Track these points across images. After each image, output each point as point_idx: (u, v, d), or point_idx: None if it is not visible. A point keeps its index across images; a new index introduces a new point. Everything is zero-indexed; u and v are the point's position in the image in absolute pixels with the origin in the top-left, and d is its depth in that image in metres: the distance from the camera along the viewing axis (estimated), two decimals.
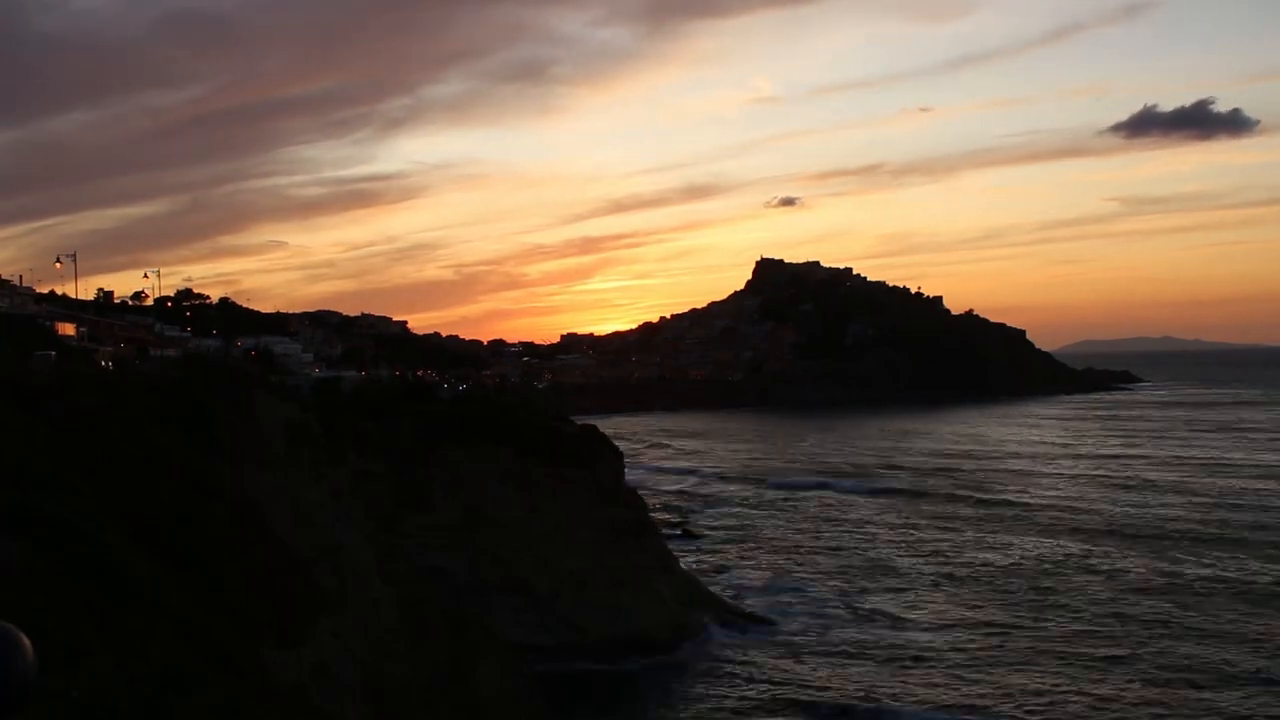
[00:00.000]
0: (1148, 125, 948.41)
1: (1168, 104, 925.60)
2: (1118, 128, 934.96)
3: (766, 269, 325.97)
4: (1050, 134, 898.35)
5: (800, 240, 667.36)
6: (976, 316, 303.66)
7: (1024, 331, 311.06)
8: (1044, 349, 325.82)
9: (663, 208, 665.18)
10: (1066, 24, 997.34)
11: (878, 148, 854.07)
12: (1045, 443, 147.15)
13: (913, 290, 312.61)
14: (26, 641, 2.87)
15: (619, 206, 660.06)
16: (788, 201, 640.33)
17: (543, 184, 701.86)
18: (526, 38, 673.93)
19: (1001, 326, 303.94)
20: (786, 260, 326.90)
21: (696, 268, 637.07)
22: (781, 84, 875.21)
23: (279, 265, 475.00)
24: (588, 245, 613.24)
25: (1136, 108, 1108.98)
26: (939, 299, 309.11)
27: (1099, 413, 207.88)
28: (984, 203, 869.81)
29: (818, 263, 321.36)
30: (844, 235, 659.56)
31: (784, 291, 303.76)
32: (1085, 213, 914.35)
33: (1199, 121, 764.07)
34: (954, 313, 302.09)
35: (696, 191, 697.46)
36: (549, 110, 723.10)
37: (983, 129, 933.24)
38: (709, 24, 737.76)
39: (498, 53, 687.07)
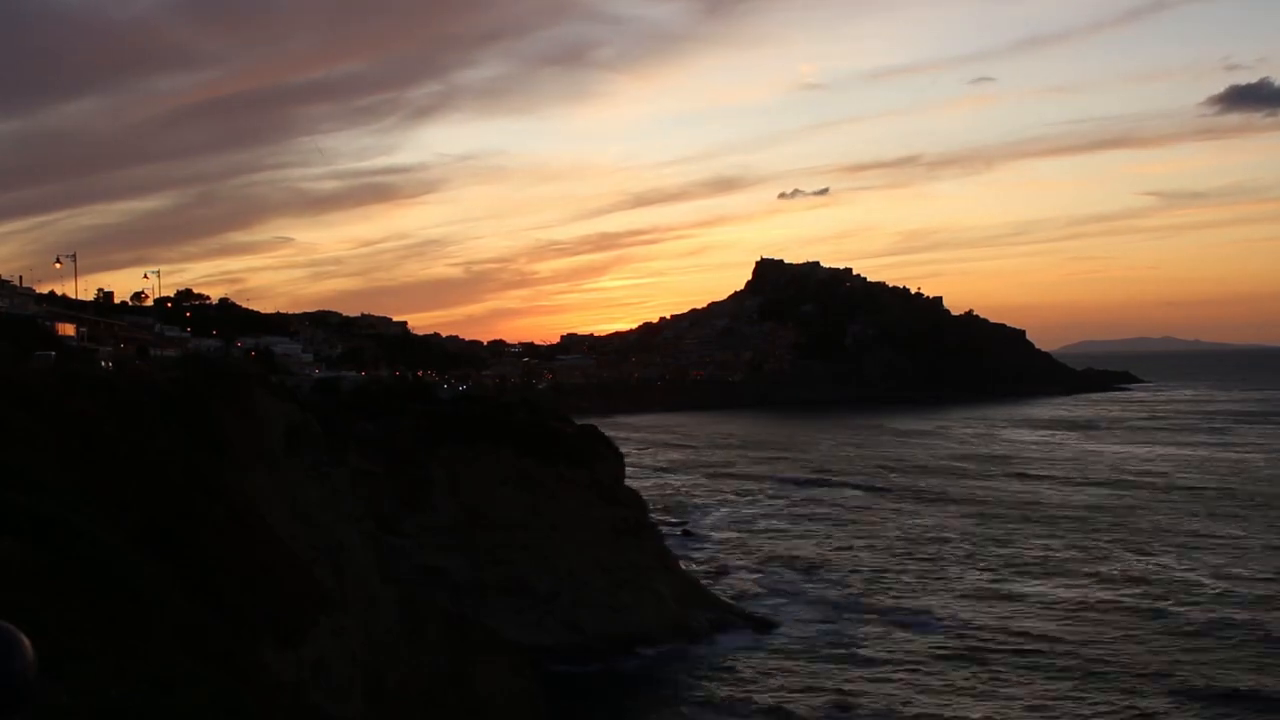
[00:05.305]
0: (1216, 110, 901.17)
1: (1244, 88, 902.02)
2: (1180, 115, 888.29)
3: (766, 269, 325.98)
4: (1102, 122, 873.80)
5: (822, 236, 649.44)
6: (976, 317, 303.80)
7: (1024, 332, 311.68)
8: (1044, 349, 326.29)
9: (685, 202, 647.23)
10: (1144, 3, 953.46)
11: (918, 138, 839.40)
12: (1059, 445, 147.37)
13: (914, 290, 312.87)
14: (26, 641, 2.87)
15: (640, 201, 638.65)
16: (821, 192, 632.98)
17: (566, 176, 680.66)
18: (572, 16, 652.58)
19: (1001, 327, 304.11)
20: (800, 259, 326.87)
21: (713, 265, 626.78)
22: (828, 70, 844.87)
23: (285, 262, 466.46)
24: (603, 242, 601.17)
25: (1202, 96, 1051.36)
26: (939, 299, 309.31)
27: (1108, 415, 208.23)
28: (1018, 197, 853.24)
29: (818, 263, 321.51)
30: (867, 231, 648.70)
31: (784, 292, 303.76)
32: (1119, 207, 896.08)
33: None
34: (954, 313, 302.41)
35: (722, 185, 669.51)
36: (586, 96, 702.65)
37: (1032, 117, 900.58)
38: (768, 1, 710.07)
39: (539, 31, 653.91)
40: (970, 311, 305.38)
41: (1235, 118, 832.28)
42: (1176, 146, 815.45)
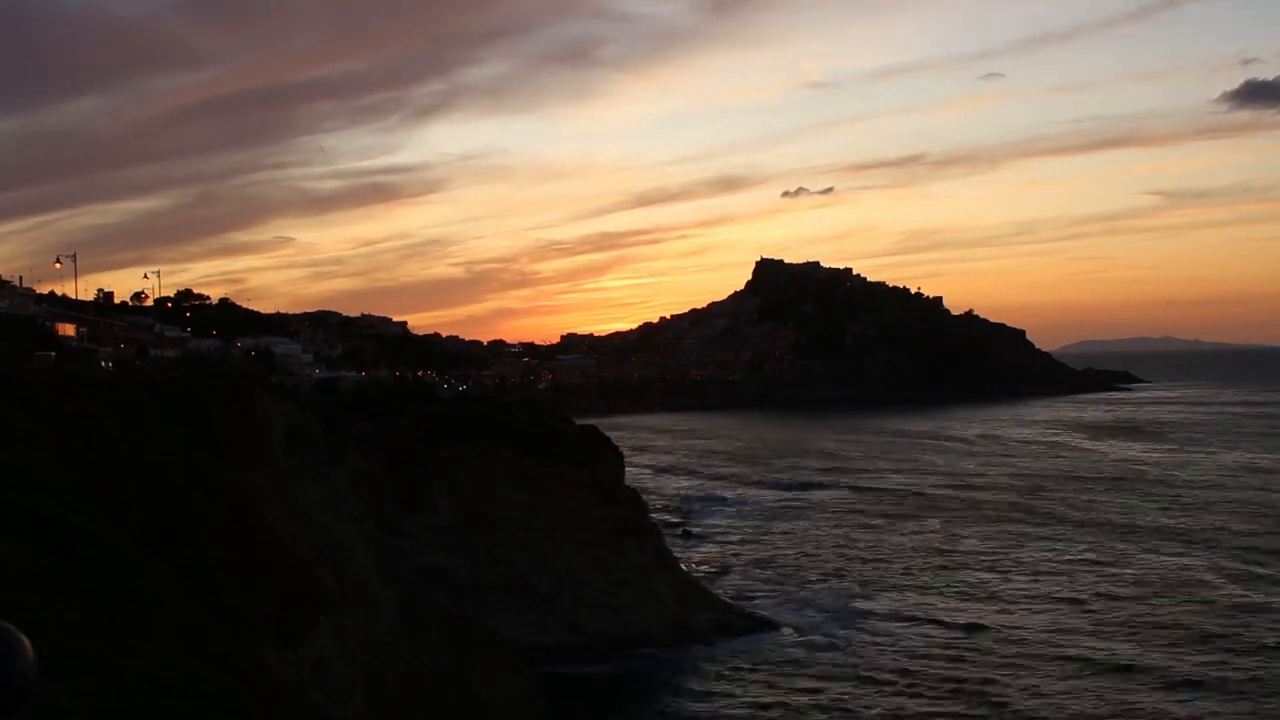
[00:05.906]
0: (1229, 107, 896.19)
1: (1260, 84, 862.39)
2: (1188, 113, 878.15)
3: (766, 269, 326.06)
4: (1108, 121, 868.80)
5: (824, 236, 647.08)
6: (976, 317, 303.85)
7: (1024, 331, 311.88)
8: (1044, 349, 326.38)
9: (687, 201, 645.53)
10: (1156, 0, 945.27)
11: (923, 137, 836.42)
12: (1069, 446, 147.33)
13: (914, 290, 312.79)
14: (26, 641, 2.87)
15: (642, 200, 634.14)
16: (825, 191, 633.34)
17: (569, 176, 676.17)
18: (576, 14, 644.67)
19: (1001, 327, 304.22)
20: (801, 258, 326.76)
21: (714, 265, 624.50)
22: (832, 69, 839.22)
23: (285, 262, 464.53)
24: (604, 242, 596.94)
25: (1217, 92, 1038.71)
26: (939, 299, 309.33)
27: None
28: (1021, 196, 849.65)
29: (818, 263, 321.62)
30: (870, 231, 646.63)
31: (784, 292, 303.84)
32: (1121, 207, 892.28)
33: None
34: (954, 313, 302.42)
35: (725, 184, 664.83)
36: (589, 95, 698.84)
37: (1038, 116, 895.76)
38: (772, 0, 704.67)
39: (543, 29, 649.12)
40: (970, 311, 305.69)
41: (1244, 115, 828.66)
42: (1182, 145, 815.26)
